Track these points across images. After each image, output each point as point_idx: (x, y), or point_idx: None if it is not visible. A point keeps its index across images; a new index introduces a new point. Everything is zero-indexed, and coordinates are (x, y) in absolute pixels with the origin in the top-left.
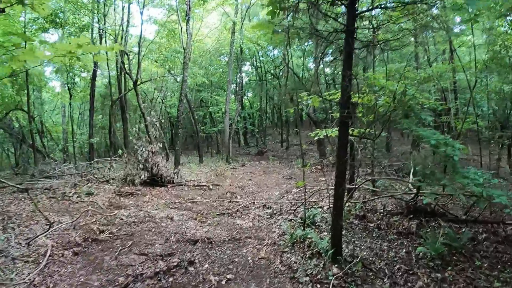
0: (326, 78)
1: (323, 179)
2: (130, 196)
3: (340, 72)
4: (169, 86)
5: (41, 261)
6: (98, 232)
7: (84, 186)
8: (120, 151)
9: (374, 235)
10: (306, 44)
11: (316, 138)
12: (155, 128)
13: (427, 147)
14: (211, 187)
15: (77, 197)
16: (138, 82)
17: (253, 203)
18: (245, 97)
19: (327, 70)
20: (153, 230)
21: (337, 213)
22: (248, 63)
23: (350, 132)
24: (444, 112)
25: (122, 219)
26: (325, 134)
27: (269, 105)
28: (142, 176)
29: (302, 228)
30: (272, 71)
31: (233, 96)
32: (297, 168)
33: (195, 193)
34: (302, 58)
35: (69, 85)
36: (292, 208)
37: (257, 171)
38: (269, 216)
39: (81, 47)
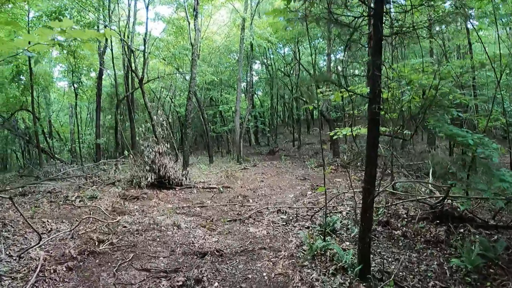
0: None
1: (339, 180)
2: (136, 200)
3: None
4: (178, 85)
5: (30, 278)
6: (97, 243)
7: (89, 189)
8: (126, 152)
9: (400, 244)
10: (317, 41)
11: (335, 137)
12: (162, 127)
13: (444, 146)
14: (221, 189)
15: (80, 201)
16: (145, 80)
17: (267, 207)
18: (256, 96)
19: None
20: (157, 240)
21: (366, 225)
22: (258, 61)
23: (358, 129)
24: (464, 109)
25: (125, 226)
26: (345, 132)
27: (280, 104)
28: (149, 178)
29: (322, 238)
30: (282, 69)
31: (243, 95)
32: (310, 168)
33: (205, 196)
34: (313, 56)
35: (74, 84)
36: (309, 214)
37: (269, 171)
38: (284, 223)
39: (64, 32)
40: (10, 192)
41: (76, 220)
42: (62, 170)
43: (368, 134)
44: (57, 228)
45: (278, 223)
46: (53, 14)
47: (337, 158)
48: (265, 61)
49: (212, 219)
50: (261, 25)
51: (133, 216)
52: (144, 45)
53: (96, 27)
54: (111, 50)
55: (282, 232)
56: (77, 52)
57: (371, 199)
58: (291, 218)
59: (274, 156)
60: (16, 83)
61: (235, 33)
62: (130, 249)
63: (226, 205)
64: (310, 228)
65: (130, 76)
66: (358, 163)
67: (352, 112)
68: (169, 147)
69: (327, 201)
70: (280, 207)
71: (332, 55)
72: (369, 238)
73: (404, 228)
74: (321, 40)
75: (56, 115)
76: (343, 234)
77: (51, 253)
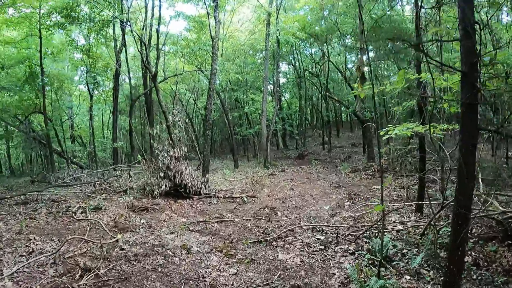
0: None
1: (378, 187)
2: (145, 212)
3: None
4: (201, 86)
5: None
6: (79, 274)
7: (97, 197)
8: (139, 157)
9: (474, 277)
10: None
11: (386, 136)
12: (180, 129)
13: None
14: (245, 199)
15: (82, 212)
16: (161, 77)
17: (299, 223)
18: (283, 98)
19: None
20: (158, 270)
21: (457, 268)
22: (285, 62)
23: (432, 128)
24: None
25: (122, 249)
26: (397, 131)
27: (308, 105)
28: (163, 187)
29: (376, 271)
30: (310, 70)
31: (270, 97)
32: (344, 174)
33: (226, 207)
34: (343, 54)
35: (89, 85)
36: (352, 233)
37: (299, 177)
38: (322, 247)
39: None
40: (10, 201)
41: (71, 236)
42: (73, 175)
43: (462, 129)
44: (41, 248)
45: (314, 247)
46: (64, 10)
47: (372, 163)
48: (292, 60)
49: (232, 239)
50: (288, 20)
51: (136, 234)
52: (157, 36)
53: (112, 25)
54: (124, 46)
55: (320, 260)
56: (92, 51)
57: (466, 230)
58: (330, 239)
59: (303, 160)
60: (30, 85)
61: (260, 29)
62: (119, 284)
63: (250, 219)
64: (356, 254)
65: (148, 76)
66: (397, 168)
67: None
68: (186, 151)
69: (379, 220)
70: (315, 222)
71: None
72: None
73: (472, 253)
74: (349, 39)
75: (80, 119)
76: (400, 264)
77: (21, 286)
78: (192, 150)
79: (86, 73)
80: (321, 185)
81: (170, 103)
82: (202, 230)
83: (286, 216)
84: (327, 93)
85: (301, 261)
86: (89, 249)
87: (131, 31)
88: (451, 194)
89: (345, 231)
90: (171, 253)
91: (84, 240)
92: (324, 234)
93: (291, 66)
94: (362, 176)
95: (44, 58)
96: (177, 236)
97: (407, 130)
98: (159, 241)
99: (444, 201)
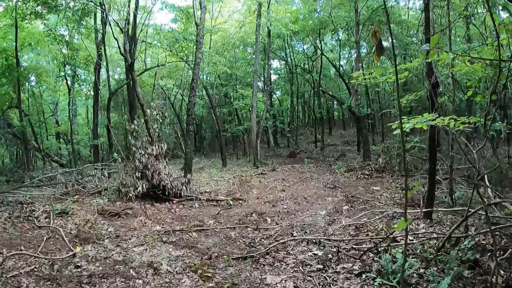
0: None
1: (376, 188)
2: (115, 218)
3: None
4: (189, 82)
5: None
6: None
7: (68, 199)
8: (115, 155)
9: None
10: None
11: (397, 131)
12: (158, 124)
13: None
14: (230, 203)
15: (46, 217)
16: (140, 68)
17: (292, 233)
18: (274, 95)
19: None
20: None
21: None
22: (276, 59)
23: (441, 120)
24: None
25: (78, 266)
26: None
27: (300, 102)
28: (139, 188)
29: None
30: (302, 66)
31: (260, 93)
32: (339, 174)
33: (208, 212)
34: (336, 50)
35: (67, 78)
36: (355, 247)
37: (291, 177)
38: (320, 266)
39: None
40: None
41: (25, 248)
42: (48, 174)
43: None
44: None
45: (310, 265)
46: None
47: (369, 161)
48: (284, 56)
49: (211, 254)
50: (279, 12)
51: (99, 246)
52: (134, 21)
53: (92, 15)
54: (103, 37)
55: (319, 284)
56: (72, 42)
57: None
58: (329, 255)
59: (295, 158)
60: (7, 78)
61: (250, 20)
62: None
63: (234, 227)
64: (364, 277)
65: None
66: (396, 167)
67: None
68: (166, 148)
69: (377, 227)
70: (311, 235)
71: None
72: None
73: (502, 272)
74: (342, 34)
75: (67, 115)
76: None
77: None
78: (179, 148)
79: (64, 66)
80: (315, 185)
81: (156, 98)
82: (177, 242)
83: (277, 224)
84: (321, 88)
85: (294, 286)
86: (38, 266)
87: (105, 15)
88: (460, 196)
89: (346, 244)
90: (134, 274)
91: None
92: (322, 248)
93: (282, 62)
94: (359, 176)
95: (22, 49)
96: (146, 250)
97: (425, 123)
98: (124, 256)
99: (469, 209)
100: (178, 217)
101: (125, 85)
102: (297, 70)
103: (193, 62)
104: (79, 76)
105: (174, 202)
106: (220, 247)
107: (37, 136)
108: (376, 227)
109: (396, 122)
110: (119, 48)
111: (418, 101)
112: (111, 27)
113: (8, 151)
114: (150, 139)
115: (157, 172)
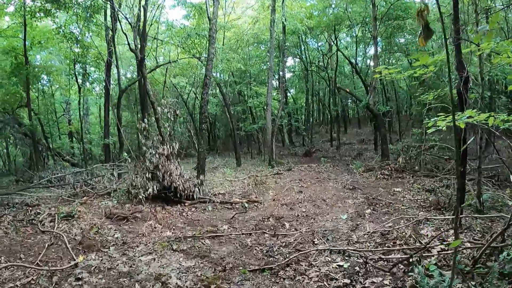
0: None
1: (397, 189)
2: (124, 222)
3: None
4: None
5: None
6: None
7: (76, 201)
8: (125, 154)
9: None
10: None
11: (432, 130)
12: (170, 122)
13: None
14: (246, 205)
15: (51, 221)
16: (151, 67)
17: (313, 240)
18: (288, 93)
19: None
20: None
21: None
22: (290, 57)
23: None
24: None
25: (79, 278)
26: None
27: (315, 100)
28: (150, 190)
29: None
30: (317, 63)
31: (274, 93)
32: (358, 174)
33: (222, 216)
34: (351, 46)
35: (77, 76)
36: (383, 257)
37: (308, 177)
38: (347, 280)
39: None
40: None
41: (25, 255)
42: (57, 175)
43: None
44: None
45: (336, 279)
46: None
47: (388, 161)
48: (299, 52)
49: (225, 265)
50: (294, 7)
51: (104, 255)
52: (144, 15)
53: (103, 12)
54: (113, 33)
55: None
56: (82, 40)
57: None
58: (356, 267)
59: (311, 157)
60: (17, 77)
61: (264, 16)
62: None
63: (250, 233)
64: None
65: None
66: (416, 167)
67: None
68: (178, 148)
69: (405, 234)
70: (333, 243)
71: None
72: None
73: None
74: (357, 30)
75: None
76: None
77: None
78: (192, 147)
79: (74, 64)
80: (334, 186)
81: (168, 96)
82: (188, 250)
83: (296, 229)
84: (337, 85)
85: None
86: (36, 277)
87: (115, 10)
88: (486, 198)
89: (373, 252)
90: None
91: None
92: (347, 258)
93: (296, 60)
94: (378, 176)
95: (32, 48)
96: (154, 259)
97: (466, 120)
98: (130, 267)
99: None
100: (190, 221)
101: (137, 83)
102: (312, 67)
103: (206, 58)
104: (89, 74)
105: (186, 204)
106: (235, 257)
107: (47, 135)
108: (404, 234)
109: (433, 119)
110: (128, 44)
111: (438, 99)
112: (121, 24)
113: (20, 150)
114: (161, 138)
115: (168, 173)
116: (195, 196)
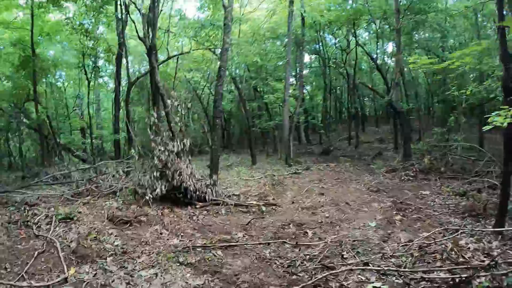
0: None
1: (426, 192)
2: (127, 227)
3: None
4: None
5: None
6: None
7: (79, 201)
8: (132, 151)
9: None
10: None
11: (489, 127)
12: (181, 117)
13: None
14: (263, 209)
15: (47, 223)
16: (163, 57)
17: (341, 253)
18: (305, 90)
19: None
20: None
21: None
22: (306, 54)
23: None
24: None
25: None
26: None
27: (332, 98)
28: (157, 190)
29: None
30: (335, 59)
31: (291, 90)
32: (381, 174)
33: (237, 221)
34: (369, 43)
35: (86, 69)
36: (425, 276)
37: (328, 178)
38: None
39: None
40: None
41: (8, 267)
42: (64, 171)
43: None
44: None
45: None
46: None
47: (412, 161)
48: (317, 47)
49: (240, 285)
50: None
51: (99, 267)
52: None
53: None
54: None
55: None
56: (92, 32)
57: None
58: None
59: (328, 156)
60: (24, 70)
61: (282, 7)
62: None
63: (269, 243)
64: None
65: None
66: (442, 168)
67: None
68: (188, 145)
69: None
70: (365, 259)
71: None
72: None
73: None
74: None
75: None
76: None
77: None
78: (207, 144)
79: (83, 56)
80: (356, 188)
81: (178, 90)
82: (197, 264)
83: (320, 239)
84: (359, 81)
85: None
86: None
87: (142, 15)
88: None
89: (411, 267)
90: None
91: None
92: (383, 277)
93: (313, 56)
94: (402, 178)
95: (39, 40)
96: (156, 275)
97: None
98: (127, 284)
99: None
100: (201, 226)
101: (148, 76)
102: (330, 63)
103: (222, 48)
104: (99, 68)
105: (197, 206)
106: (251, 273)
107: (55, 130)
108: (445, 247)
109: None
110: (137, 32)
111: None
112: (129, 16)
113: (33, 146)
114: (171, 134)
115: (178, 172)
116: (207, 198)
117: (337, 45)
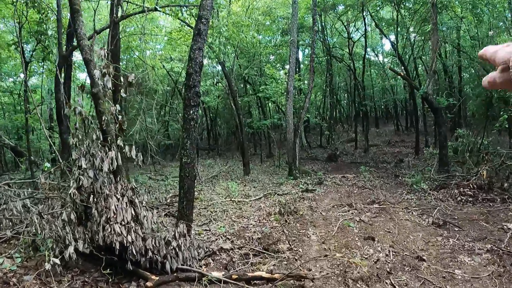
0: None
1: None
2: None
3: None
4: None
5: None
6: None
7: None
8: (46, 166)
9: None
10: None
11: None
12: (122, 115)
13: None
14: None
15: None
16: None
17: None
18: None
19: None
20: None
21: None
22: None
23: None
24: None
25: None
26: None
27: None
28: (70, 249)
29: None
30: (339, 51)
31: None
32: (420, 191)
33: None
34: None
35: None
36: None
37: (356, 199)
38: None
39: None
40: None
41: None
42: None
43: None
44: None
45: None
46: None
47: (455, 173)
48: (321, 35)
49: None
50: None
51: None
52: None
53: None
54: None
55: None
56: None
57: None
58: None
59: (337, 163)
60: None
61: None
62: None
63: None
64: None
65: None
66: (505, 184)
67: None
68: (135, 153)
69: None
70: None
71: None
72: None
73: None
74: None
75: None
76: None
77: None
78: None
79: (20, 29)
80: (413, 221)
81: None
82: None
83: None
84: (389, 66)
85: None
86: None
87: None
88: None
89: None
90: None
91: None
92: None
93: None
94: (459, 199)
95: None
96: None
97: None
98: None
99: None
100: None
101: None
102: (332, 54)
103: (200, 6)
104: (48, 48)
105: (147, 285)
106: None
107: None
108: None
109: None
110: None
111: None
112: None
113: None
114: (102, 136)
115: (107, 215)
116: (168, 266)
117: (347, 35)
